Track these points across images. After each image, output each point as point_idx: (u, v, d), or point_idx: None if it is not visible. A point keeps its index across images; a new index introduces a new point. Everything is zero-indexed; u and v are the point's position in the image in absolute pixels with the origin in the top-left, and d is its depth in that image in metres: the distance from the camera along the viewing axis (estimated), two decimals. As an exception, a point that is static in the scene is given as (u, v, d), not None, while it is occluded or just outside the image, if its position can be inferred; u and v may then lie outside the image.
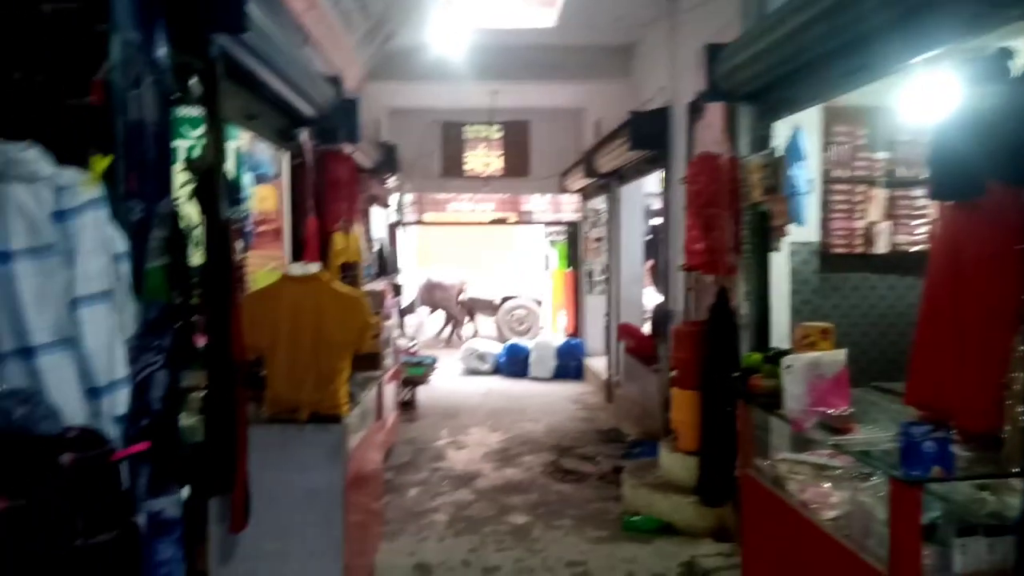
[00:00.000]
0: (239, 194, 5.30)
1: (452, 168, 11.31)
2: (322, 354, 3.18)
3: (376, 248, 8.58)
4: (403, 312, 10.85)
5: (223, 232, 2.67)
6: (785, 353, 3.38)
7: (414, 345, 10.32)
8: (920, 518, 2.48)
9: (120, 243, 1.64)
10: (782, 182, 4.13)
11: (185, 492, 3.05)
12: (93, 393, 1.57)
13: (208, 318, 2.68)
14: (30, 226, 1.50)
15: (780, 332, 4.57)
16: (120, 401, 1.62)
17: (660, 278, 7.25)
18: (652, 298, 9.28)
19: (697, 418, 5.05)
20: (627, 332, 7.56)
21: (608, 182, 9.08)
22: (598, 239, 11.10)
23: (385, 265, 8.76)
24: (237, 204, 5.36)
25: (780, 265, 4.59)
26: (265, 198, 5.40)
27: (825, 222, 4.65)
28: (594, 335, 11.15)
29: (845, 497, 3.08)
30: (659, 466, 5.49)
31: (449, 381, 10.74)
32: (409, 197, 12.10)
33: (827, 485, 3.26)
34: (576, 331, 11.76)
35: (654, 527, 4.99)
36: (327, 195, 5.71)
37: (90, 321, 1.55)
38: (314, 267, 3.25)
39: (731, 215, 4.53)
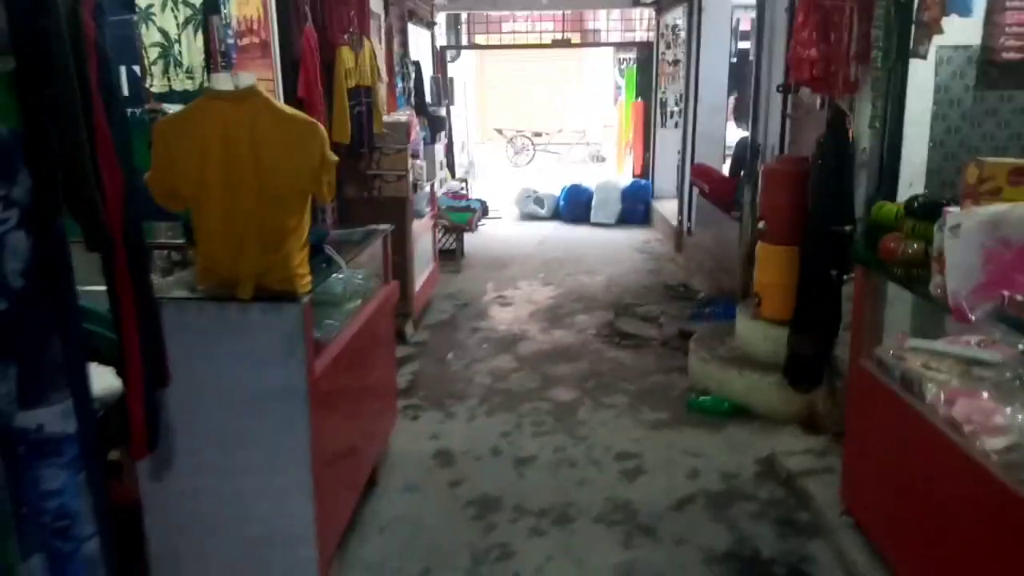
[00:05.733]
0: (216, -3, 4.27)
1: (507, -20, 9.79)
2: (266, 205, 2.26)
3: (412, 73, 7.43)
4: (450, 151, 9.83)
5: (70, 19, 1.68)
6: (942, 205, 2.28)
7: (463, 188, 9.37)
8: None
9: None
10: (943, -48, 2.83)
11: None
12: None
13: (60, 149, 1.75)
14: None
15: (913, 173, 3.41)
16: None
17: (745, 107, 5.98)
18: (732, 135, 7.99)
19: (789, 281, 4.02)
20: (702, 173, 6.38)
21: (688, -12, 7.54)
22: (674, 62, 9.61)
23: (422, 94, 7.64)
24: (215, 11, 4.35)
25: (921, 80, 3.35)
26: (248, 1, 4.33)
27: (992, 15, 3.30)
28: (665, 175, 9.95)
29: (1019, 419, 2.10)
30: (735, 335, 4.54)
31: (502, 227, 9.84)
32: (459, 16, 10.72)
33: (985, 395, 2.27)
34: (644, 171, 10.54)
35: (726, 410, 4.13)
36: (329, -1, 4.60)
37: None
38: (248, 78, 2.26)
39: (858, 8, 3.25)
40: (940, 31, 3.01)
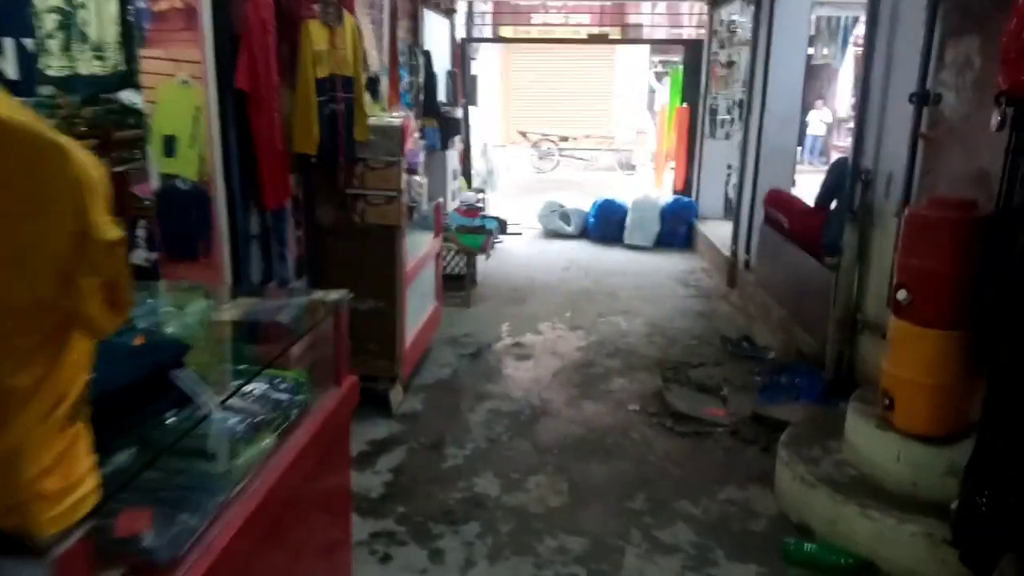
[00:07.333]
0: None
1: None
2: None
3: (421, 65, 6.16)
4: (466, 158, 8.57)
5: None
6: None
7: (480, 201, 8.07)
8: None
9: None
10: None
11: None
12: None
13: None
14: None
15: None
16: None
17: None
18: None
19: (941, 381, 2.73)
20: (779, 203, 5.06)
21: (759, -27, 6.22)
22: (728, 64, 8.27)
23: (434, 91, 6.36)
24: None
25: None
26: (171, -48, 3.07)
27: None
28: (711, 192, 8.65)
29: None
30: (844, 441, 3.22)
31: (522, 244, 8.55)
32: (483, 5, 9.44)
33: None
34: (687, 186, 9.21)
35: (841, 566, 2.81)
36: (295, -44, 3.33)
37: None
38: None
39: None
40: None
